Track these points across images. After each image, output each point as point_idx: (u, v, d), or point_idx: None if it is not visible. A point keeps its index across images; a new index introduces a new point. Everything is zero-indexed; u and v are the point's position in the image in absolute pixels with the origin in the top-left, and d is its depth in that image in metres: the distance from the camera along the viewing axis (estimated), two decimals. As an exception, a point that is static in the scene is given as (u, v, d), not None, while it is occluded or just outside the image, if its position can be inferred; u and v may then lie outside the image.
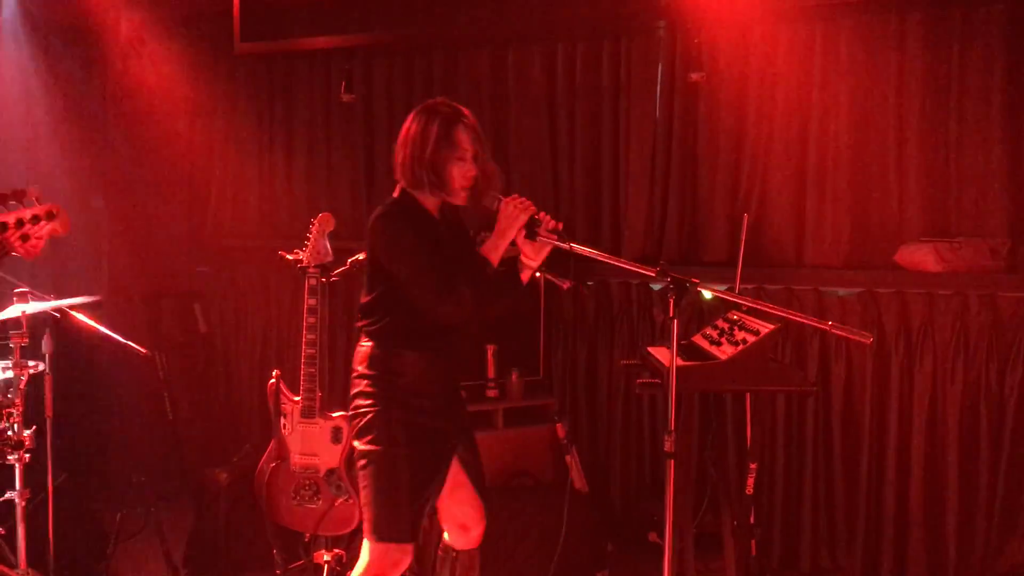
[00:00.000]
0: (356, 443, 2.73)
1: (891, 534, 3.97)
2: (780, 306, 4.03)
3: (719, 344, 3.16)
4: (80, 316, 3.55)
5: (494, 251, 2.69)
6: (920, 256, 3.83)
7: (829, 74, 4.09)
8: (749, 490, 3.29)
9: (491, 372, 4.19)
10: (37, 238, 2.30)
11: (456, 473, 2.83)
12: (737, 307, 3.36)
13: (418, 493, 2.68)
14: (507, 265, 2.73)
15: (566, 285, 2.89)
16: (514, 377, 4.19)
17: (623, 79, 4.50)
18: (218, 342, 5.43)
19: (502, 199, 2.70)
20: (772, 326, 3.07)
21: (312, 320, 3.58)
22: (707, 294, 4.26)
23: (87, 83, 5.20)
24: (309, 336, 3.57)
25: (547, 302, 4.37)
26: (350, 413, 2.77)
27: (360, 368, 2.75)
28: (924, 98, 3.95)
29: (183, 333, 5.36)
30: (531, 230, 2.67)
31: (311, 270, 3.59)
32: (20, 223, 2.25)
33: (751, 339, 3.00)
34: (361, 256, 3.66)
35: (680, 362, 3.08)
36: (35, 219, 2.27)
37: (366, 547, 2.73)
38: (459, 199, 2.74)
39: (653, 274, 2.61)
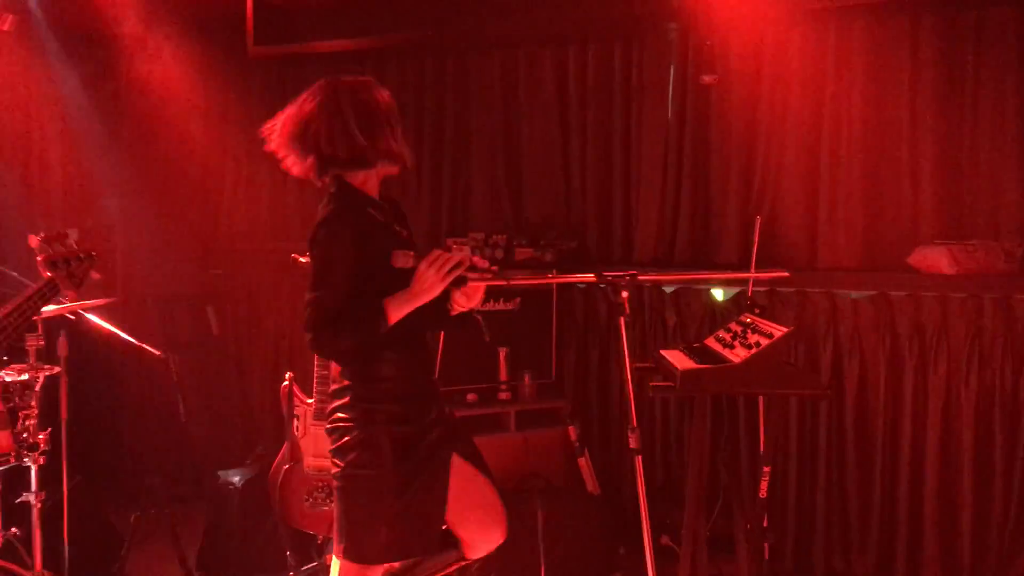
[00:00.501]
0: (336, 459, 2.51)
1: (905, 538, 3.95)
2: (793, 309, 4.06)
3: (732, 347, 3.15)
4: (95, 319, 3.56)
5: (397, 311, 2.39)
6: (934, 258, 3.81)
7: (842, 76, 4.08)
8: (762, 493, 3.28)
9: (503, 375, 4.19)
10: (82, 278, 2.50)
11: (461, 469, 2.61)
12: (756, 305, 3.35)
13: (402, 514, 2.47)
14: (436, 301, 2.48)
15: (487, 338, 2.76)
16: (526, 380, 4.20)
17: (635, 81, 4.50)
18: (231, 344, 5.44)
19: (417, 261, 2.38)
20: (785, 329, 3.06)
21: (325, 323, 3.58)
22: (717, 294, 4.29)
23: (100, 86, 5.23)
24: (322, 339, 3.58)
25: (559, 305, 4.37)
26: (328, 426, 2.55)
27: (340, 381, 2.53)
28: (938, 100, 3.93)
29: (196, 335, 5.38)
30: (460, 283, 2.43)
31: (324, 273, 3.59)
32: (68, 262, 2.47)
33: (764, 342, 2.99)
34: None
35: (693, 365, 3.09)
36: (79, 260, 2.50)
37: (336, 565, 2.56)
38: (395, 167, 2.56)
39: (594, 280, 2.57)
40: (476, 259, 2.46)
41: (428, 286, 2.38)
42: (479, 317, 2.67)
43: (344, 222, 2.42)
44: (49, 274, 2.38)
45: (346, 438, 2.49)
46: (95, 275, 2.48)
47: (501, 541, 2.74)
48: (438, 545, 2.60)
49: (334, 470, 2.54)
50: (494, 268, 2.47)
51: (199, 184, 5.49)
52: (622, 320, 2.51)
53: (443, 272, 2.38)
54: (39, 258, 2.40)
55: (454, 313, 2.58)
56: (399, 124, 2.58)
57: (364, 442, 2.47)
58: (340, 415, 2.52)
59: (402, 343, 2.51)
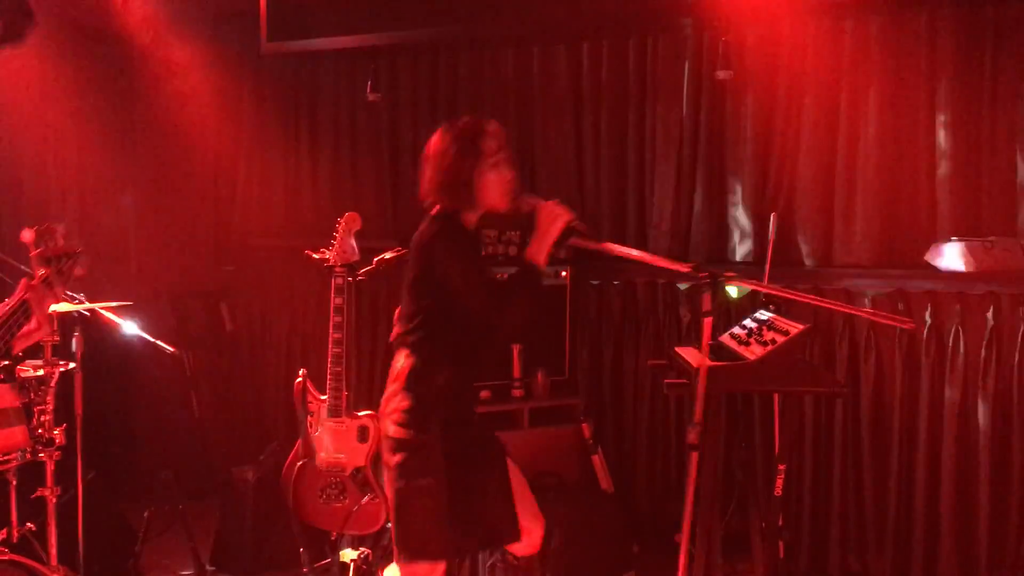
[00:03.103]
0: (393, 469, 2.68)
1: (921, 537, 3.92)
2: (809, 306, 4.03)
3: (747, 344, 3.13)
4: (110, 315, 3.57)
5: (538, 255, 2.68)
6: (951, 255, 3.78)
7: (858, 71, 4.05)
8: (778, 491, 3.26)
9: (517, 372, 4.18)
10: (68, 276, 2.45)
11: (505, 480, 2.82)
12: (770, 301, 3.33)
13: (458, 510, 2.66)
14: (525, 274, 2.71)
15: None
16: (540, 377, 4.19)
17: (649, 77, 4.48)
18: (244, 341, 5.45)
19: (539, 202, 2.70)
20: (801, 326, 3.03)
21: (338, 319, 3.58)
22: (732, 291, 4.27)
23: (114, 83, 5.24)
24: (335, 335, 3.58)
25: (572, 302, 4.36)
26: (389, 435, 2.71)
27: (398, 382, 2.72)
28: (955, 95, 3.90)
29: (210, 332, 5.39)
30: (567, 235, 2.68)
31: (337, 269, 3.60)
32: (59, 259, 2.42)
33: (780, 339, 2.97)
34: (388, 255, 3.69)
35: (708, 362, 3.07)
36: (68, 257, 2.45)
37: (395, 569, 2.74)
38: (503, 204, 2.74)
39: (687, 271, 2.58)
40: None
41: (555, 218, 2.65)
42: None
43: (444, 232, 2.69)
44: (42, 271, 2.38)
45: (403, 447, 2.66)
46: (79, 271, 2.47)
47: (541, 541, 2.89)
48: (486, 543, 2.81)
49: (390, 474, 2.69)
50: (593, 236, 2.77)
51: (213, 181, 5.51)
52: (708, 321, 2.56)
53: (557, 212, 2.65)
54: (33, 253, 2.39)
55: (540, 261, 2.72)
56: (485, 159, 2.70)
57: (420, 450, 2.65)
58: (397, 417, 2.68)
59: (463, 361, 2.74)
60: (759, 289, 2.65)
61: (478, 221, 2.79)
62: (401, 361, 2.75)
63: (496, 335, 2.85)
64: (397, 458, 2.66)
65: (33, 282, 2.36)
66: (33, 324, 2.37)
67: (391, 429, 2.69)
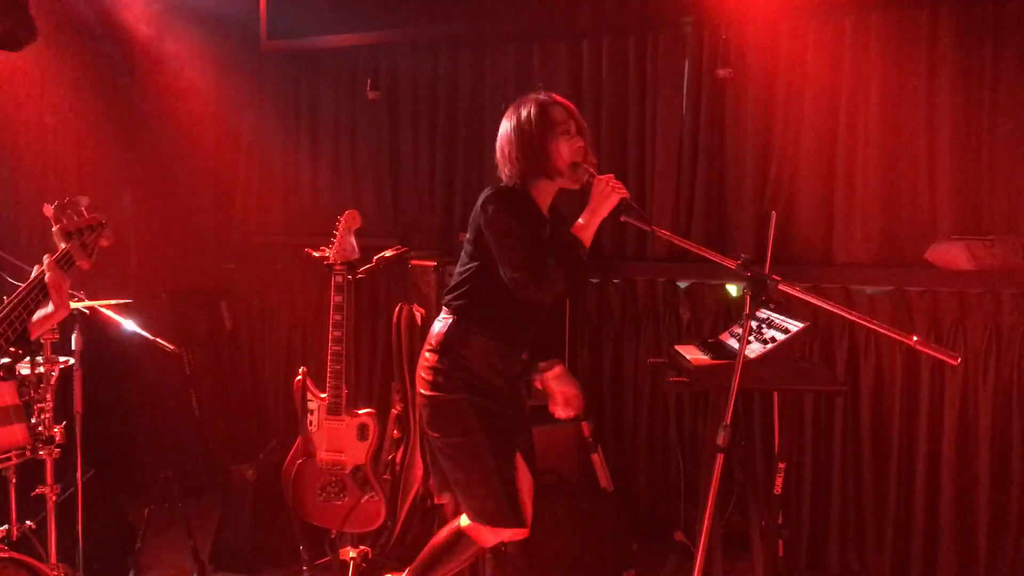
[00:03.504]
0: (429, 431, 2.80)
1: (920, 536, 3.92)
2: (809, 305, 4.03)
3: (748, 342, 3.13)
4: (110, 313, 3.58)
5: (586, 229, 2.72)
6: (952, 254, 3.78)
7: (859, 69, 4.04)
8: (777, 490, 3.26)
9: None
10: (92, 248, 2.37)
11: (519, 464, 2.89)
12: (770, 300, 3.32)
13: (506, 475, 2.76)
14: (569, 247, 2.74)
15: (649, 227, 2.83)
16: (539, 375, 4.18)
17: (649, 75, 4.47)
18: (244, 339, 5.46)
19: (595, 175, 2.72)
20: (801, 324, 3.04)
21: (338, 317, 3.58)
22: (732, 289, 4.27)
23: (113, 81, 5.24)
24: (335, 333, 3.58)
25: (572, 300, 4.36)
26: (419, 391, 2.82)
27: (431, 344, 2.81)
28: (956, 93, 3.89)
29: (210, 330, 5.39)
30: (618, 211, 2.70)
31: (337, 267, 3.60)
32: (81, 232, 2.35)
33: (780, 338, 2.97)
34: (388, 253, 3.70)
35: (708, 360, 3.07)
36: (91, 229, 2.37)
37: (469, 529, 2.84)
38: (575, 180, 2.76)
39: (733, 267, 2.52)
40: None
41: (605, 197, 2.67)
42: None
43: (502, 192, 2.75)
44: (64, 245, 2.30)
45: (432, 408, 2.79)
46: (104, 243, 2.40)
47: (512, 537, 2.88)
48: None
49: (428, 436, 2.83)
50: (645, 216, 2.79)
51: (213, 179, 5.51)
52: (748, 322, 2.54)
53: (616, 185, 2.67)
54: (54, 228, 2.32)
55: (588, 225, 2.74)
56: (556, 127, 2.75)
57: (451, 412, 2.75)
58: (427, 378, 2.79)
59: (498, 335, 2.80)
60: (802, 297, 2.51)
61: (551, 207, 2.85)
62: (440, 323, 2.82)
63: (536, 311, 2.86)
64: (426, 414, 2.80)
65: (53, 258, 2.30)
66: (50, 307, 2.33)
67: (421, 387, 2.81)
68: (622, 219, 2.71)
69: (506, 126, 2.80)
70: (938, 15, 3.91)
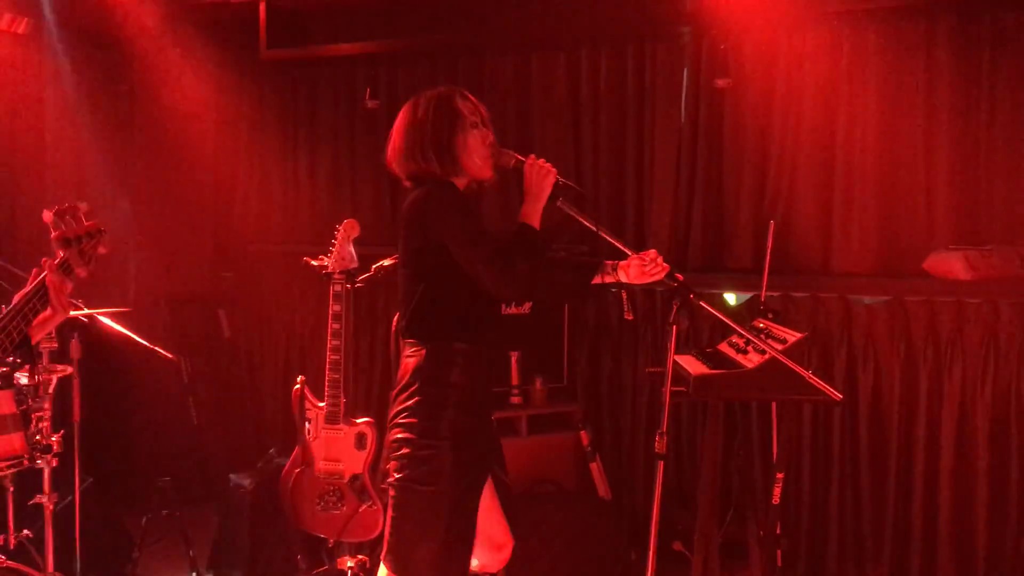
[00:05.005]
0: (395, 473, 2.51)
1: (919, 546, 3.92)
2: (807, 314, 4.04)
3: (745, 352, 3.14)
4: (107, 321, 3.57)
5: (532, 215, 2.59)
6: (949, 264, 3.78)
7: (856, 80, 4.06)
8: (775, 500, 3.26)
9: (514, 379, 4.17)
10: (91, 256, 2.36)
11: (491, 492, 2.67)
12: (769, 310, 3.33)
13: (453, 532, 2.48)
14: (585, 267, 2.62)
15: (629, 316, 2.81)
16: (538, 384, 4.18)
17: (648, 85, 4.49)
18: (242, 347, 5.45)
19: (522, 158, 2.61)
20: (799, 335, 3.04)
21: (337, 326, 3.58)
22: (731, 298, 4.27)
23: (113, 89, 5.25)
24: (334, 342, 3.58)
25: (570, 309, 4.36)
26: (394, 437, 2.55)
27: (407, 381, 2.54)
28: (953, 104, 3.91)
29: (208, 338, 5.39)
30: (557, 193, 2.59)
31: (336, 276, 3.60)
32: (79, 239, 2.33)
33: (778, 348, 2.97)
34: (387, 262, 3.69)
35: (706, 370, 3.07)
36: (90, 236, 2.35)
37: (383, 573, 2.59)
38: (486, 171, 2.62)
39: (630, 253, 2.55)
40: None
41: (543, 174, 2.59)
42: (624, 294, 2.81)
43: (436, 190, 2.54)
44: (62, 253, 2.30)
45: (408, 450, 2.50)
46: (102, 250, 2.39)
47: (508, 558, 2.77)
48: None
49: (390, 479, 2.54)
50: (583, 193, 2.68)
51: (211, 187, 5.51)
52: (674, 329, 2.58)
53: (546, 168, 2.58)
54: (53, 235, 2.31)
55: (601, 278, 2.59)
56: (462, 119, 2.60)
57: (427, 459, 2.48)
58: (405, 420, 2.52)
59: (475, 339, 2.56)
60: (716, 314, 2.54)
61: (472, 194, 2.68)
62: (408, 354, 2.56)
63: (497, 304, 2.69)
64: (396, 463, 2.52)
65: (53, 263, 2.29)
66: (48, 311, 2.31)
67: (398, 431, 2.53)
68: (559, 204, 2.59)
69: (405, 121, 2.63)
70: (936, 27, 3.92)
